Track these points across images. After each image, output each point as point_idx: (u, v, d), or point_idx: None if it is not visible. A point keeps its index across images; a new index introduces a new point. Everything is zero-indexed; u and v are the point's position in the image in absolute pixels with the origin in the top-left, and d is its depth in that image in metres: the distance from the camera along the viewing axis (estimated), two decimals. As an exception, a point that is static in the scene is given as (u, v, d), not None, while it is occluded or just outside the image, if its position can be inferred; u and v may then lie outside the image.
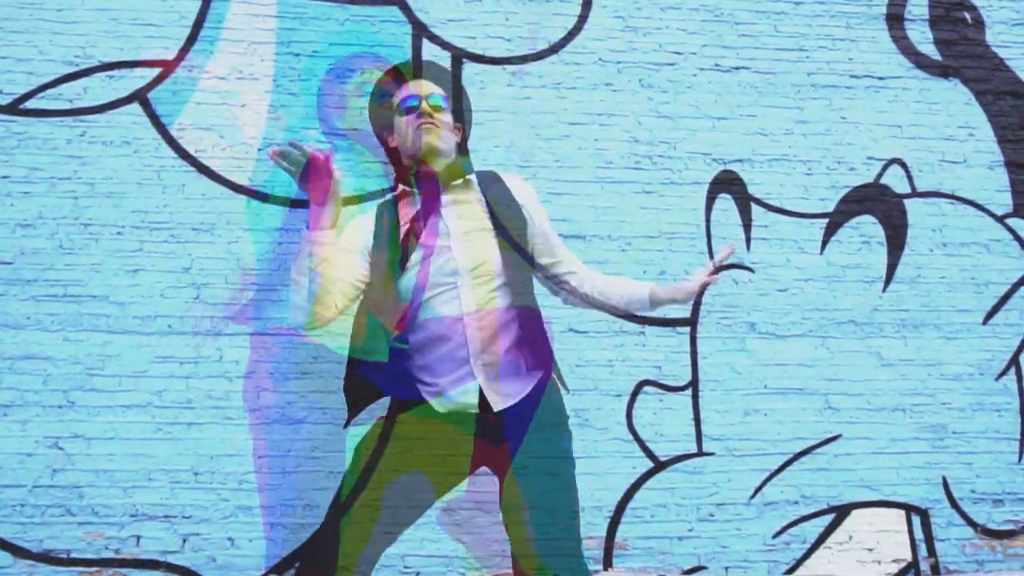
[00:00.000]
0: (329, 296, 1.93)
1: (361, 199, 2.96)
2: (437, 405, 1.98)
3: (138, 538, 2.72)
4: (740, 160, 3.16)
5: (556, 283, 2.19)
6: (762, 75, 3.22)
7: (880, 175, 3.22)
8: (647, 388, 2.97)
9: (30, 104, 2.90)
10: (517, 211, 2.08)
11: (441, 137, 2.08)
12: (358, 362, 2.08)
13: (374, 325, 2.06)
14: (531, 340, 2.03)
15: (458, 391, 1.96)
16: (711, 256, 3.04)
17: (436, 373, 1.98)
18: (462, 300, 1.96)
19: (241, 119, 2.96)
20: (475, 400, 1.95)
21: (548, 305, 2.26)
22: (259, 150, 2.95)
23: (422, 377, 2.00)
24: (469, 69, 3.09)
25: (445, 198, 2.05)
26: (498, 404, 1.95)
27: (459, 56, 3.09)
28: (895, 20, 3.33)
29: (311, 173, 1.90)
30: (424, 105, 2.10)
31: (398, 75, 2.31)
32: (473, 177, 2.13)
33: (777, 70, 3.23)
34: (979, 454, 3.07)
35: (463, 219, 2.03)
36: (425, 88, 2.16)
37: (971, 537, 3.03)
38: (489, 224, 2.04)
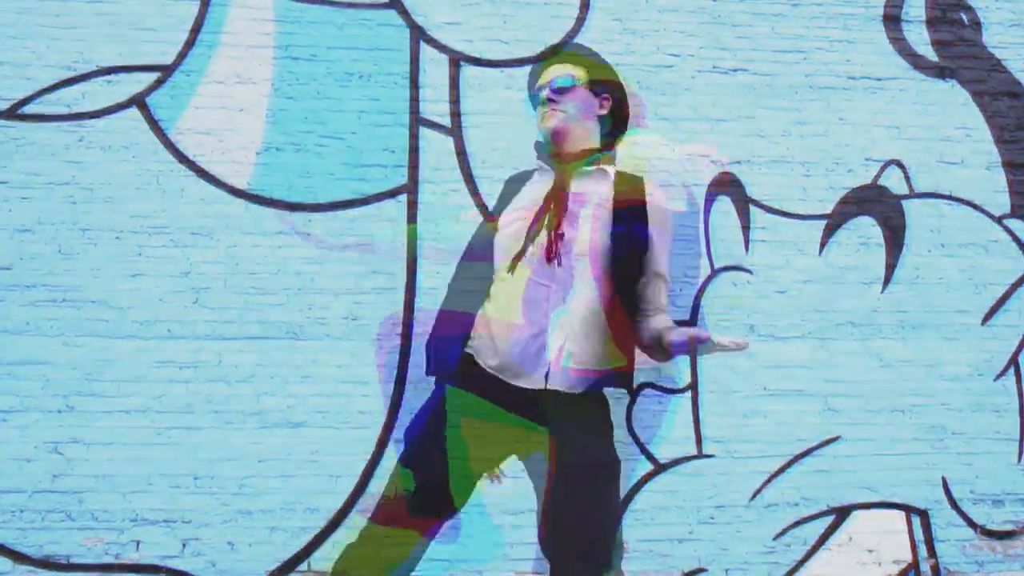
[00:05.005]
0: None
1: (361, 202, 2.97)
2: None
3: (138, 543, 2.72)
4: (738, 162, 3.16)
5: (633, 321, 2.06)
6: (760, 77, 3.22)
7: (878, 176, 3.22)
8: (647, 390, 2.97)
9: (28, 109, 2.90)
10: (643, 230, 2.02)
11: (562, 119, 2.09)
12: None
13: None
14: None
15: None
16: (710, 258, 3.05)
17: None
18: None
19: (240, 123, 2.96)
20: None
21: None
22: (257, 154, 2.96)
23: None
24: (467, 72, 3.09)
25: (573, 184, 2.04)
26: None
27: (457, 59, 3.09)
28: (892, 21, 3.33)
29: None
30: (544, 94, 2.11)
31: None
32: (608, 170, 2.09)
33: (775, 72, 3.23)
34: (979, 455, 3.07)
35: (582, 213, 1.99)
36: (551, 74, 2.15)
37: (971, 538, 3.02)
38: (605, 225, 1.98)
